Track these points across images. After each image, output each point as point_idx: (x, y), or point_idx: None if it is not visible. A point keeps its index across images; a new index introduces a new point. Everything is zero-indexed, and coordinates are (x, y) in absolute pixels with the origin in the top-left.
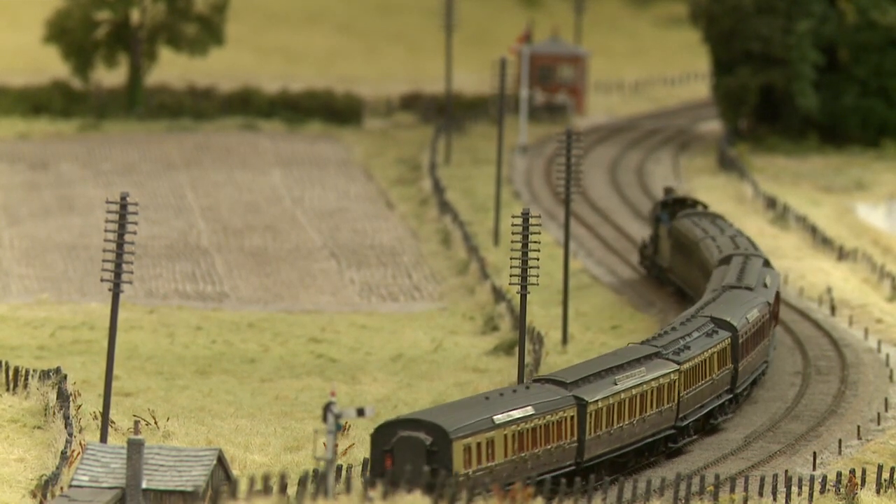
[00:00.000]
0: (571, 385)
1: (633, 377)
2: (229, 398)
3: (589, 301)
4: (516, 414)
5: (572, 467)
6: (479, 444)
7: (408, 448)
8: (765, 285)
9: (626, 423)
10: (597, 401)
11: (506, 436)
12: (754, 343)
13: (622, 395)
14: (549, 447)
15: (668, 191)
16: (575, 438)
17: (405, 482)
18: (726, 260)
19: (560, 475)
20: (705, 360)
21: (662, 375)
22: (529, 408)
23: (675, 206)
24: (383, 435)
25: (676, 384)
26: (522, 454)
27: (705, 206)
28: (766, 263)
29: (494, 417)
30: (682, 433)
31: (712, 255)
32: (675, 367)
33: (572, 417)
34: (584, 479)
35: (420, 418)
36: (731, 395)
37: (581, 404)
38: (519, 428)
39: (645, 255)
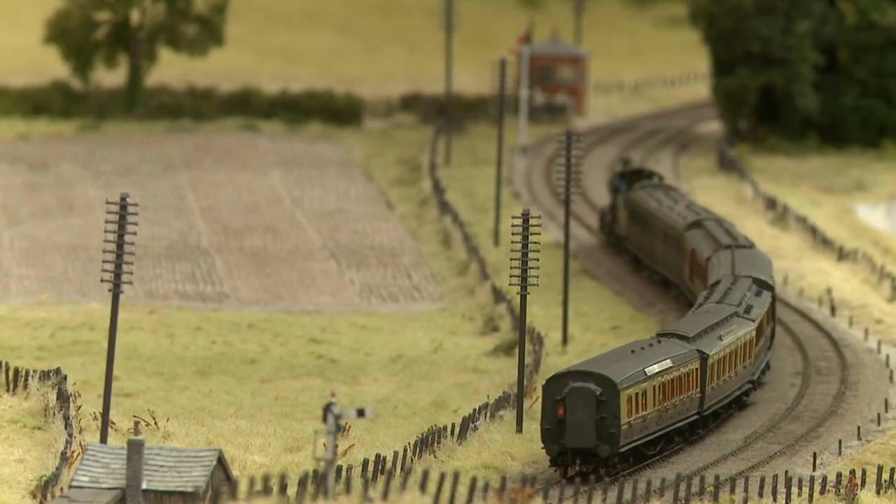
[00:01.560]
0: (693, 339)
1: (731, 333)
2: (229, 399)
3: (589, 302)
4: (659, 367)
5: (696, 416)
6: (636, 395)
7: (579, 398)
8: (752, 244)
9: (727, 375)
10: (714, 354)
11: (654, 387)
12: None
13: (726, 350)
14: (682, 397)
15: (625, 162)
16: (698, 389)
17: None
18: (697, 224)
19: (687, 424)
20: (763, 318)
21: (746, 332)
22: (668, 360)
23: (632, 176)
24: (555, 386)
25: (753, 341)
26: (665, 404)
27: (661, 178)
28: (732, 226)
29: (646, 369)
30: (754, 387)
31: (677, 223)
32: (752, 324)
33: (697, 369)
34: (584, 481)
35: (589, 370)
36: (770, 351)
37: (703, 357)
38: (663, 379)
39: (604, 224)
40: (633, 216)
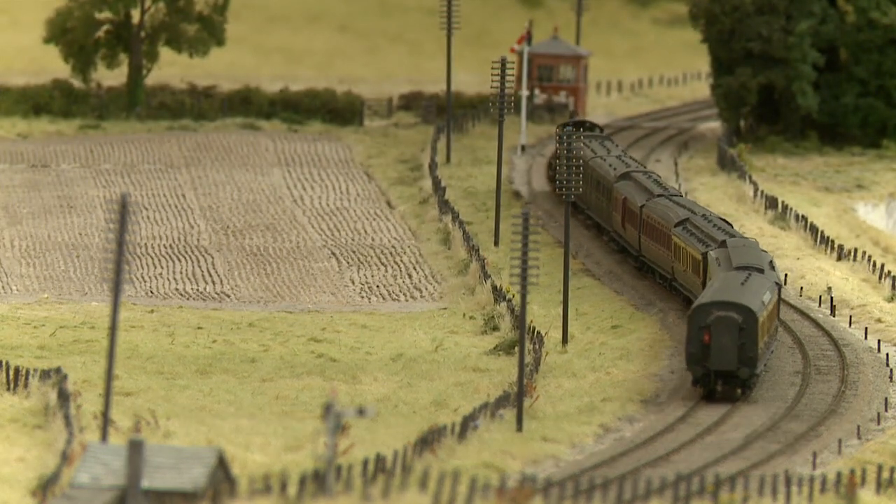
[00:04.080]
0: (766, 272)
1: (773, 266)
2: (230, 398)
3: (589, 301)
4: (766, 297)
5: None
6: (764, 322)
7: (723, 325)
8: (680, 193)
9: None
10: (782, 286)
11: (766, 315)
12: None
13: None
14: (774, 325)
15: (572, 114)
16: (777, 320)
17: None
18: (626, 175)
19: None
20: None
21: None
22: (768, 292)
23: (574, 127)
24: (700, 314)
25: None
26: (769, 331)
27: (602, 129)
28: (659, 177)
29: (763, 299)
30: None
31: (608, 173)
32: (770, 256)
33: (777, 301)
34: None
35: (730, 300)
36: None
37: (779, 288)
38: (769, 309)
39: (550, 172)
40: None
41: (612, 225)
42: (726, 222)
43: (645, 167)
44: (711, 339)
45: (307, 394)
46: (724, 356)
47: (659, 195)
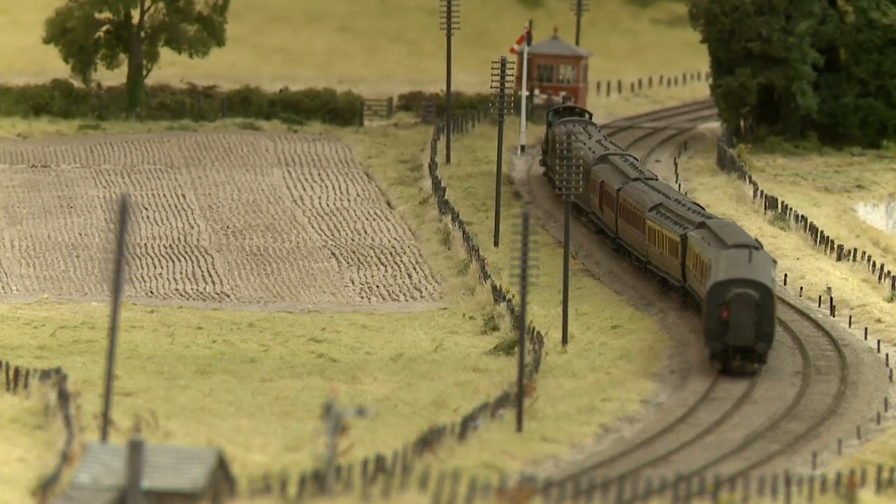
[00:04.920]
0: (760, 249)
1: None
2: (230, 398)
3: (589, 301)
4: (773, 274)
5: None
6: (775, 298)
7: (741, 302)
8: (656, 177)
9: None
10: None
11: (776, 292)
12: None
13: None
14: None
15: (565, 99)
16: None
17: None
18: (604, 158)
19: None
20: None
21: None
22: (773, 269)
23: (563, 112)
24: (719, 291)
25: None
26: (777, 307)
27: (590, 115)
28: (636, 160)
29: (772, 276)
30: None
31: (587, 156)
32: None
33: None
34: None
35: (747, 277)
36: None
37: (776, 264)
38: (776, 286)
39: (542, 157)
40: (555, 148)
41: (591, 207)
42: (699, 205)
43: (624, 150)
44: (730, 315)
45: (307, 394)
46: (742, 332)
47: (635, 179)
